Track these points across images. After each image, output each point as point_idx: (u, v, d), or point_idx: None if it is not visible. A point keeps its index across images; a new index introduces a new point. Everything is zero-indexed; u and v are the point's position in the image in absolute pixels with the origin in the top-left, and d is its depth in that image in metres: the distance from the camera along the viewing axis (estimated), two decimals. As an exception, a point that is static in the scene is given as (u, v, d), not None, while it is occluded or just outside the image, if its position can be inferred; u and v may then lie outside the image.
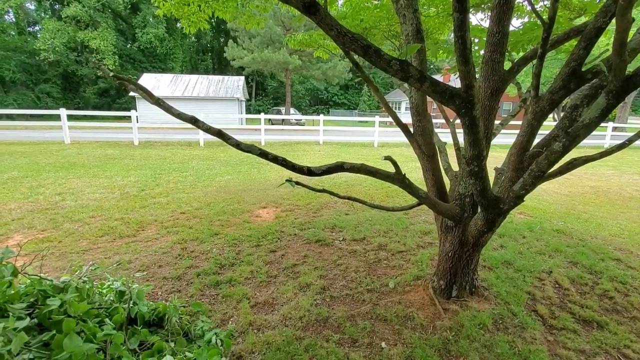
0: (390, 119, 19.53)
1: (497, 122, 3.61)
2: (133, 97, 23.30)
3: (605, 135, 16.81)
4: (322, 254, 3.98)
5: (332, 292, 3.12)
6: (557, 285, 3.22)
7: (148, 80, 24.39)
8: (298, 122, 25.87)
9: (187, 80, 24.54)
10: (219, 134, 2.36)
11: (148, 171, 8.66)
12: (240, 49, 22.47)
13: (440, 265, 2.91)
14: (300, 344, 2.43)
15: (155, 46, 33.77)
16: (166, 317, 2.44)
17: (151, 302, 2.52)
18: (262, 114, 14.33)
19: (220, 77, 25.26)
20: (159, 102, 2.38)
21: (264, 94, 44.80)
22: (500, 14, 2.40)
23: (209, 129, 2.37)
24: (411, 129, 3.04)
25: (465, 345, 2.32)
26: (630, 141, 2.70)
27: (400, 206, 2.79)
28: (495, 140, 16.52)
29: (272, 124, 26.20)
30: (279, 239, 4.41)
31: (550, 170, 3.04)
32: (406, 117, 29.60)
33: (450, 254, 2.82)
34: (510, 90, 27.21)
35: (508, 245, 4.11)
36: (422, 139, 2.95)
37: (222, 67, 42.09)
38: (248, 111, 36.85)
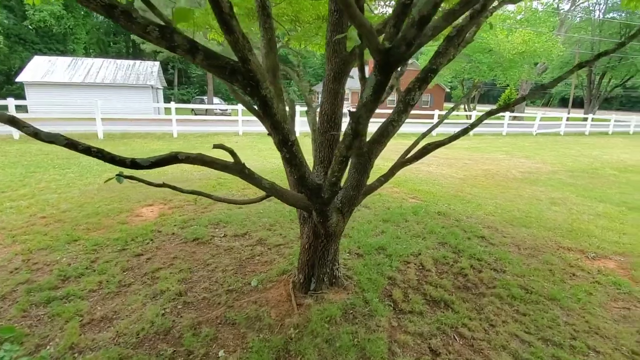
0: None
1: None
2: (22, 84, 20.01)
3: (503, 124, 18.73)
4: (195, 253, 3.64)
5: (187, 298, 2.81)
6: (420, 267, 3.31)
7: (40, 63, 21.10)
8: (223, 112, 24.62)
9: (89, 65, 21.73)
10: (11, 121, 1.88)
11: (19, 170, 7.37)
12: (151, 31, 20.35)
13: (300, 259, 2.77)
14: (124, 364, 2.10)
15: (51, 25, 29.40)
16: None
17: None
18: (173, 102, 13.23)
19: (131, 61, 22.83)
20: None
21: (188, 82, 42.01)
22: (336, -10, 2.26)
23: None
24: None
25: (307, 342, 2.20)
26: (472, 126, 2.78)
27: (250, 199, 2.57)
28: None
29: (196, 114, 24.59)
30: (151, 240, 3.96)
31: (408, 156, 3.05)
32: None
33: (306, 246, 2.68)
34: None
35: (389, 230, 4.18)
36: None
37: (137, 51, 38.30)
38: (169, 101, 34.14)
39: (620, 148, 15.15)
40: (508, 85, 34.50)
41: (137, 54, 38.07)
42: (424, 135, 3.33)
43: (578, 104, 43.35)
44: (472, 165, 9.95)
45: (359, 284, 2.87)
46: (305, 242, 2.69)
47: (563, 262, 3.63)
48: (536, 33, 22.88)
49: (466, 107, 33.39)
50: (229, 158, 1.91)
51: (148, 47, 21.36)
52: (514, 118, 27.44)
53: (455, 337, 2.33)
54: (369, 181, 2.64)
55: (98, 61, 22.58)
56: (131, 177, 2.13)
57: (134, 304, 2.75)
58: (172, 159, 2.11)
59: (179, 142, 12.19)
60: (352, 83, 34.91)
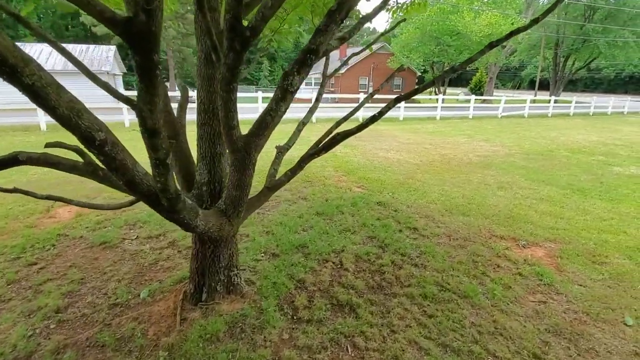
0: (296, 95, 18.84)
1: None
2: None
3: (469, 107, 18.84)
4: (97, 260, 3.28)
5: (65, 315, 2.49)
6: (338, 266, 3.09)
7: (-19, 49, 19.37)
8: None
9: (38, 51, 20.17)
10: None
11: None
12: (102, 13, 18.98)
13: (190, 266, 2.49)
14: (-47, 405, 1.78)
15: (-4, 7, 27.06)
16: None
17: None
18: (122, 89, 12.43)
19: (85, 46, 21.34)
20: None
21: (153, 68, 39.94)
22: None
23: None
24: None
25: (176, 367, 1.94)
26: (380, 114, 2.54)
27: (117, 203, 2.25)
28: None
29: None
30: (53, 246, 3.56)
31: (319, 147, 2.78)
32: (306, 93, 29.22)
33: (194, 252, 2.40)
34: (395, 64, 28.84)
35: (318, 225, 3.95)
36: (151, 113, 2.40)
37: (97, 35, 35.99)
38: (131, 87, 32.50)
39: (578, 129, 15.55)
40: (477, 69, 34.87)
41: (97, 38, 35.78)
42: (339, 123, 3.07)
43: (545, 86, 44.50)
44: (431, 150, 9.86)
45: (260, 290, 2.62)
46: (193, 248, 2.40)
47: (491, 252, 3.52)
48: (502, 15, 22.96)
49: (436, 90, 33.55)
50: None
51: (100, 29, 19.96)
52: (483, 101, 27.81)
53: (348, 348, 2.13)
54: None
55: (49, 47, 20.99)
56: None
57: (4, 324, 2.41)
58: (12, 160, 1.76)
59: (130, 133, 11.51)
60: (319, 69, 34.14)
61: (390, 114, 17.94)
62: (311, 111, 3.37)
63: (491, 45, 2.26)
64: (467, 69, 41.76)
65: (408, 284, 2.82)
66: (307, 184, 5.74)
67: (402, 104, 17.07)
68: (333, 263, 3.12)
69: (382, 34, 3.56)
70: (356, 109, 3.03)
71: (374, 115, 2.42)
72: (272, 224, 3.92)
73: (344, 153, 8.63)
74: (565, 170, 7.85)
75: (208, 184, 2.28)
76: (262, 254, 3.21)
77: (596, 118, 21.23)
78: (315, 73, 34.32)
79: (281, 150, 3.07)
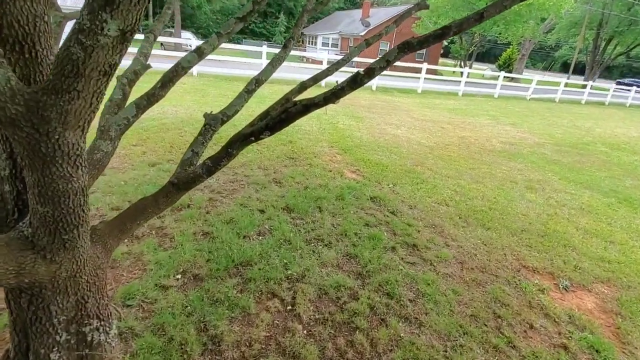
0: (307, 54, 17.11)
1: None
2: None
3: (496, 85, 17.02)
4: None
5: None
6: (288, 308, 2.03)
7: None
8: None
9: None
10: None
11: None
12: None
13: (8, 316, 1.44)
14: None
15: None
16: None
17: None
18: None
19: (82, -20, 19.57)
20: None
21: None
22: None
23: None
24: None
25: None
26: (368, 74, 1.38)
27: None
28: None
29: (165, 48, 22.00)
30: None
31: (260, 124, 1.67)
32: (322, 54, 27.21)
33: (5, 298, 1.35)
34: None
35: (281, 228, 2.85)
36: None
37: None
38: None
39: (615, 121, 13.85)
40: (510, 44, 31.93)
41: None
42: (304, 86, 1.92)
43: (579, 70, 41.07)
44: (448, 130, 8.53)
45: (142, 352, 1.58)
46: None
47: (520, 297, 2.42)
48: (548, -17, 20.23)
49: (461, 63, 31.04)
50: None
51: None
52: (512, 80, 25.50)
53: None
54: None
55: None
56: None
57: None
58: None
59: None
60: (345, 27, 31.66)
61: (408, 84, 16.20)
62: (273, 64, 2.18)
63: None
64: (498, 43, 38.50)
65: (389, 359, 1.75)
66: (289, 162, 4.61)
67: (423, 74, 15.27)
68: (281, 301, 2.05)
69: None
70: (330, 69, 1.87)
71: (356, 75, 1.26)
72: (218, 221, 2.84)
73: (346, 125, 7.39)
74: (606, 171, 6.55)
75: (11, 179, 1.17)
76: (179, 275, 2.15)
77: (634, 110, 19.22)
78: (332, 33, 31.87)
79: (211, 122, 1.93)
